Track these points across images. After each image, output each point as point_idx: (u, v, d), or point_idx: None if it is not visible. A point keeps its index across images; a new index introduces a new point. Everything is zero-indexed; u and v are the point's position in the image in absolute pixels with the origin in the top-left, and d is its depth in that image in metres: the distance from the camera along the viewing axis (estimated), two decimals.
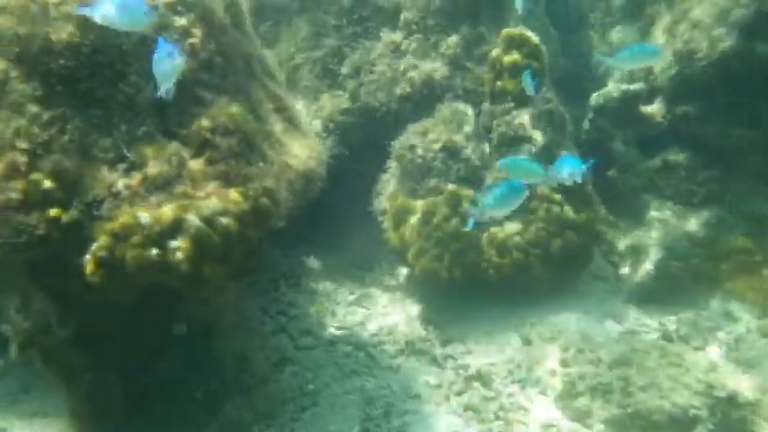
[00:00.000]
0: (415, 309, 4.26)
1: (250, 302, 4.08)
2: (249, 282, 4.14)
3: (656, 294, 4.02)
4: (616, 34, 4.70)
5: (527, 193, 2.88)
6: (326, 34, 4.44)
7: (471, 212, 3.25)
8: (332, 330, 4.14)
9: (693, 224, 4.09)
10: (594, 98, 4.37)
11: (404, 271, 4.41)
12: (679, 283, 4.04)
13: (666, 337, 3.71)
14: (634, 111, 4.24)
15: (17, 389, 3.79)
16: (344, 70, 4.40)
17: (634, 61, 3.35)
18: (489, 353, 3.81)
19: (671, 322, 3.86)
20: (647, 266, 4.08)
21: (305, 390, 3.66)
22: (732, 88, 3.81)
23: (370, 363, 3.85)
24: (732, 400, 3.07)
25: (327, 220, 4.39)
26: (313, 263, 4.71)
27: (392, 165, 4.20)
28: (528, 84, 3.39)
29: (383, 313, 4.29)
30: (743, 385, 3.12)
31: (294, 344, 4.01)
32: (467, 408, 3.45)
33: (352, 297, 4.45)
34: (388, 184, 4.20)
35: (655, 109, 4.21)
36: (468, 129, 4.03)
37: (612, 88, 4.32)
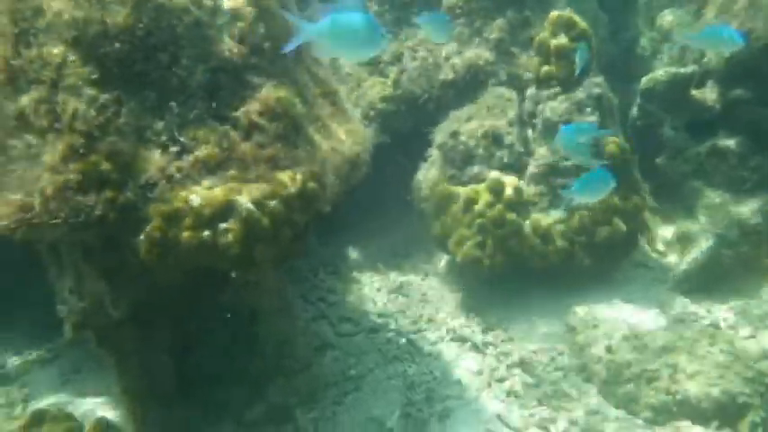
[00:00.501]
0: (455, 296, 4.25)
1: (291, 288, 4.12)
2: (289, 268, 4.18)
3: (703, 282, 3.90)
4: (665, 18, 4.56)
5: (614, 184, 2.92)
6: None
7: (563, 196, 3.24)
8: (373, 317, 4.15)
9: (744, 211, 3.95)
10: (644, 82, 4.24)
11: (445, 258, 4.39)
12: (728, 272, 3.92)
13: (715, 325, 3.61)
14: (684, 95, 4.11)
15: (69, 369, 3.92)
16: (386, 57, 4.38)
17: (711, 44, 3.21)
18: (531, 340, 3.77)
19: (719, 310, 3.75)
20: (695, 254, 3.96)
21: (347, 375, 3.69)
22: None
23: (411, 349, 3.85)
24: None
25: (367, 207, 4.40)
26: (352, 250, 4.73)
27: (434, 152, 4.17)
28: (579, 60, 3.33)
29: (423, 300, 4.28)
30: None
31: (335, 330, 4.04)
32: (509, 393, 3.43)
33: (391, 284, 4.46)
34: (430, 172, 4.18)
35: (706, 93, 4.07)
36: (512, 115, 3.98)
37: (662, 72, 4.19)
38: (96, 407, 3.59)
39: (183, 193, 2.49)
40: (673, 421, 3.10)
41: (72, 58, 2.39)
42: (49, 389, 3.77)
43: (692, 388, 3.09)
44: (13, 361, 3.97)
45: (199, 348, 3.42)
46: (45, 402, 3.59)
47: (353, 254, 4.76)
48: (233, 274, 3.27)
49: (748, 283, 3.91)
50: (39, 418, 3.13)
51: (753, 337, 3.49)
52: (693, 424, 3.06)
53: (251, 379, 3.51)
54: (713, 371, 3.11)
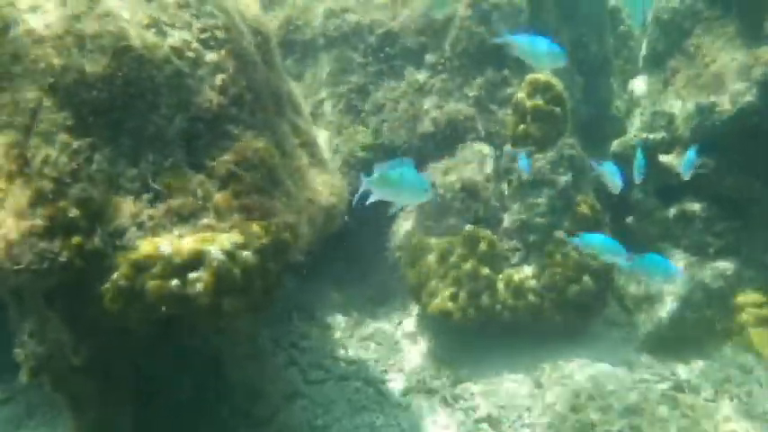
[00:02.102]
0: (427, 347, 4.23)
1: (263, 333, 4.06)
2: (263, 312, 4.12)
3: (669, 343, 3.97)
4: (636, 83, 4.74)
5: (679, 277, 2.99)
6: (352, 71, 4.51)
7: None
8: (343, 365, 4.10)
9: (709, 275, 4.06)
10: (615, 145, 4.39)
11: (418, 308, 4.39)
12: (693, 334, 4.00)
13: (678, 387, 3.65)
14: (653, 160, 4.25)
15: (22, 413, 3.78)
16: (368, 107, 4.44)
17: None
18: (499, 395, 3.76)
19: (683, 372, 3.81)
20: (662, 315, 4.04)
21: (314, 424, 3.62)
22: (751, 142, 3.83)
23: (380, 399, 3.80)
24: None
25: (346, 254, 4.40)
26: (328, 295, 4.70)
27: None
28: (689, 163, 3.43)
29: (395, 350, 4.26)
30: None
31: (305, 377, 3.98)
32: None
33: (365, 332, 4.43)
34: (407, 222, 4.21)
35: (674, 159, 4.23)
36: (488, 170, 4.06)
37: (632, 136, 4.34)
38: None
39: (154, 241, 2.46)
40: None
41: (47, 104, 2.38)
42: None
43: None
44: None
45: (164, 395, 3.32)
46: None
47: (330, 299, 4.73)
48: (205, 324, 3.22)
49: (711, 344, 4.00)
50: None
51: (713, 400, 3.54)
52: None
53: (218, 425, 3.42)
54: None
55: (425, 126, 4.27)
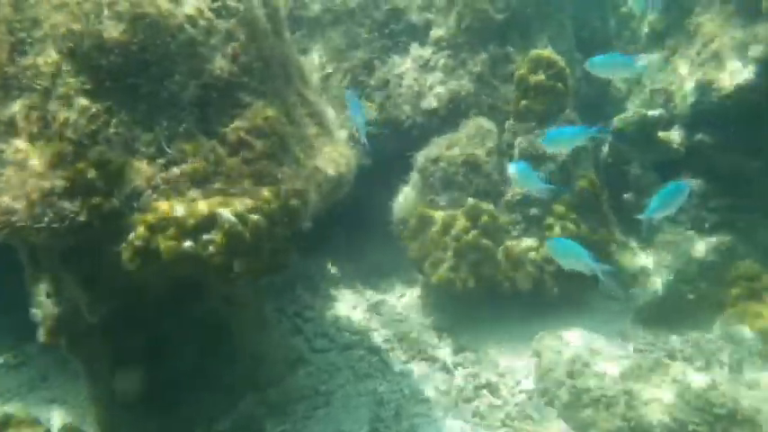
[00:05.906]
0: (429, 317, 4.34)
1: (268, 302, 4.16)
2: (267, 282, 4.23)
3: (663, 315, 4.08)
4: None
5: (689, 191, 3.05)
6: (357, 46, 4.57)
7: (644, 221, 3.39)
8: (347, 334, 4.22)
9: (703, 249, 4.16)
10: (615, 122, 4.48)
11: (420, 279, 4.50)
12: (686, 306, 4.11)
13: (671, 356, 3.78)
14: (652, 136, 4.34)
15: (36, 377, 3.89)
16: (373, 82, 4.52)
17: None
18: (499, 363, 3.89)
19: (676, 343, 3.93)
20: (656, 288, 4.15)
21: (318, 390, 3.74)
22: (749, 120, 3.92)
23: (383, 367, 3.93)
24: (731, 416, 3.13)
25: (349, 226, 4.49)
26: (332, 267, 4.80)
27: (414, 176, 4.30)
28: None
29: (398, 320, 4.37)
30: (743, 403, 3.18)
31: (309, 345, 4.10)
32: (474, 414, 3.52)
33: (368, 303, 4.54)
34: (410, 195, 4.30)
35: (673, 135, 4.32)
36: (490, 144, 4.14)
37: (632, 113, 4.43)
38: (63, 414, 3.57)
39: (168, 204, 2.55)
40: None
41: (66, 68, 2.46)
42: (15, 395, 3.73)
43: (647, 415, 3.23)
44: None
45: (172, 357, 3.44)
46: (10, 408, 3.55)
47: (333, 271, 4.83)
48: (211, 287, 3.32)
49: (704, 316, 4.11)
50: (4, 421, 3.11)
51: (704, 369, 3.65)
52: None
53: (223, 389, 3.53)
54: (667, 399, 3.26)
55: (429, 102, 4.35)
